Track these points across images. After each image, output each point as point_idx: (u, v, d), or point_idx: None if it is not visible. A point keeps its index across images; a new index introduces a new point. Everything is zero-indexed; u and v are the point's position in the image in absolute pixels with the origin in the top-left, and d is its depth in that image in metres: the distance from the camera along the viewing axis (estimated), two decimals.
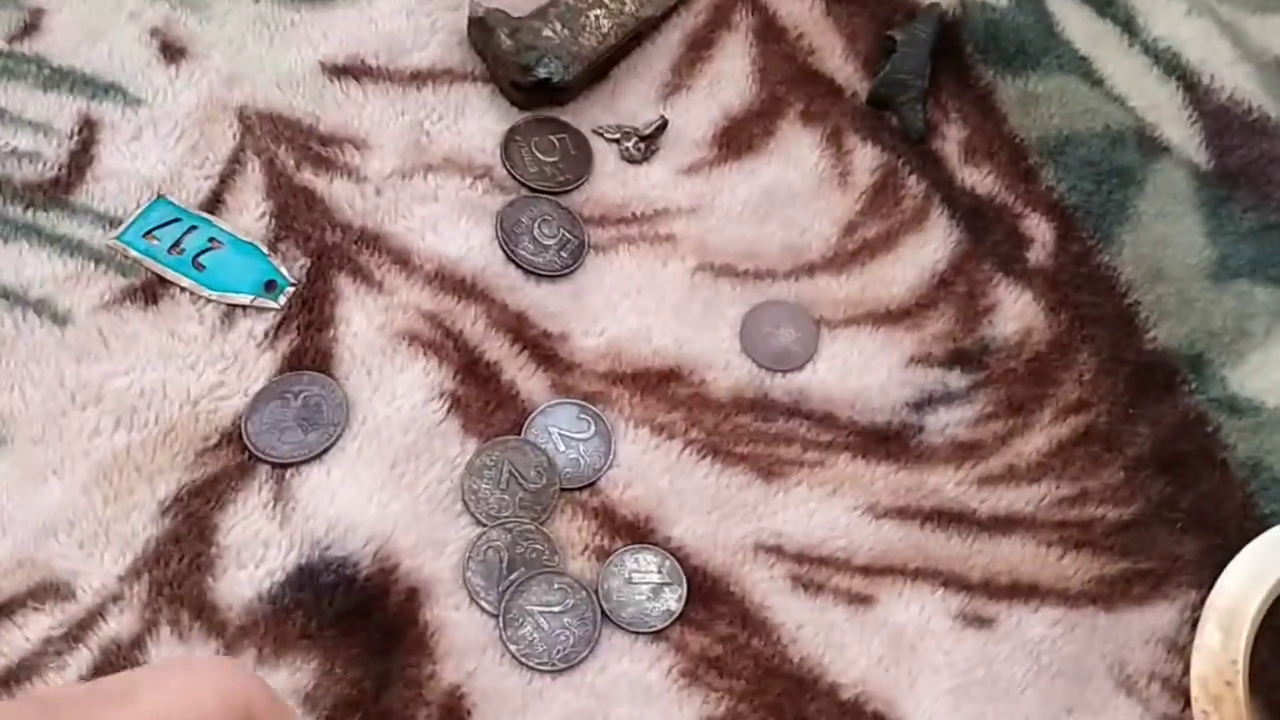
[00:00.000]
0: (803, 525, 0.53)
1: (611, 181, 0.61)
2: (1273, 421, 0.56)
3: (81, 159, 0.58)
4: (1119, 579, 0.53)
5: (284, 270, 0.56)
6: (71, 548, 0.49)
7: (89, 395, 0.52)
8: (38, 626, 0.48)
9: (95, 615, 0.48)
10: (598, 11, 0.61)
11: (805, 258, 0.59)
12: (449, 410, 0.54)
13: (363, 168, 0.59)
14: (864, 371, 0.57)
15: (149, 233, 0.56)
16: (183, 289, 0.55)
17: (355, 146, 0.59)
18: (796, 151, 0.62)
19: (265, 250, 0.56)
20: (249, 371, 0.54)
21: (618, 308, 0.57)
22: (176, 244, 0.56)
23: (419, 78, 0.61)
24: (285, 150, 0.59)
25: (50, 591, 0.48)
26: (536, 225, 0.58)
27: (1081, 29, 0.65)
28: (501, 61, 0.60)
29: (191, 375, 0.53)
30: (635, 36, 0.63)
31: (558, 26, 0.61)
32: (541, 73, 0.59)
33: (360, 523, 0.51)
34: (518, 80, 0.60)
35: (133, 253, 0.56)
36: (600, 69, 0.62)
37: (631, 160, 0.61)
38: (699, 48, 0.64)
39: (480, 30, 0.61)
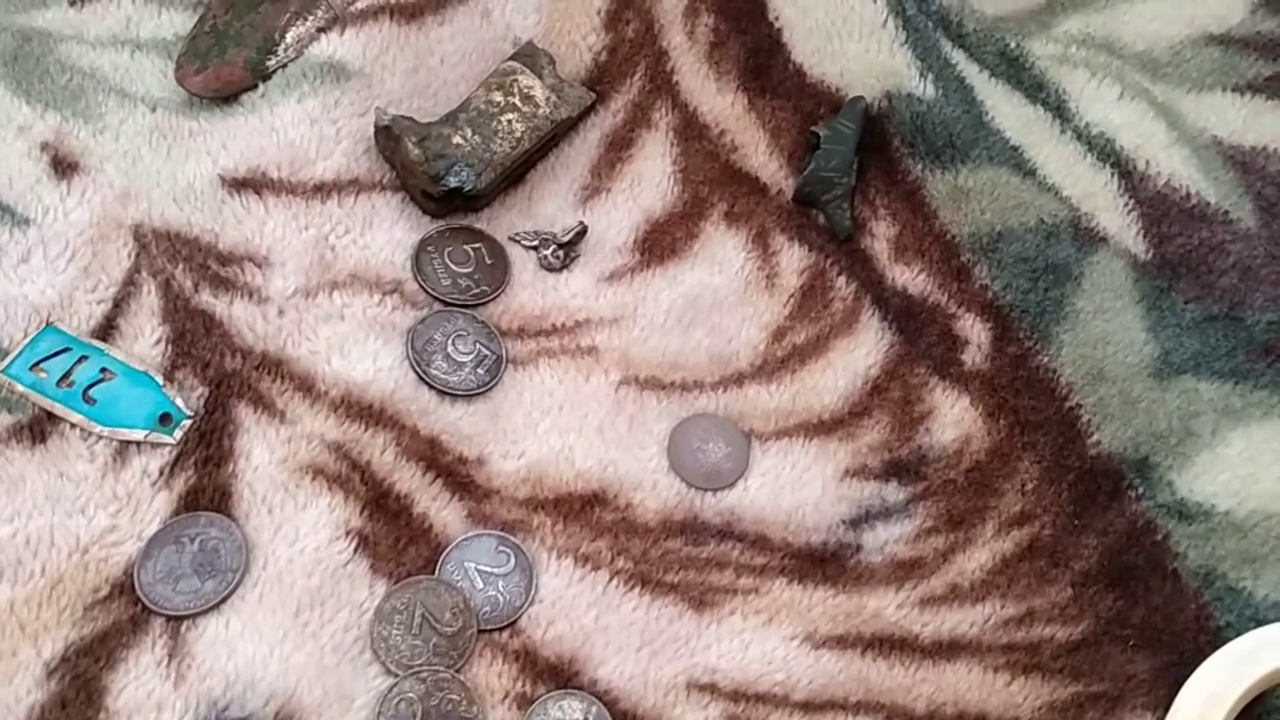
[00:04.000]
0: (738, 659, 0.50)
1: (530, 291, 0.58)
2: (1224, 526, 0.54)
3: None
4: (1071, 704, 0.50)
5: (180, 402, 0.53)
6: None
7: None
8: None
9: None
10: (510, 116, 0.59)
11: (733, 367, 0.57)
12: (356, 549, 0.50)
13: (264, 287, 0.56)
14: (797, 487, 0.54)
15: (37, 364, 0.53)
16: (73, 425, 0.52)
17: (256, 264, 0.56)
18: (721, 254, 0.59)
19: (160, 380, 0.53)
20: (142, 514, 0.50)
21: (538, 426, 0.54)
22: (66, 376, 0.53)
23: (323, 189, 0.58)
24: (183, 270, 0.56)
25: None
26: (450, 341, 0.55)
27: (1012, 117, 0.63)
28: (410, 171, 0.57)
29: (81, 520, 0.50)
30: (551, 139, 0.61)
31: (468, 133, 0.58)
32: (452, 182, 0.57)
33: (261, 678, 0.47)
34: (428, 190, 0.57)
35: (19, 387, 0.52)
36: (515, 174, 0.60)
37: (550, 268, 0.58)
38: (618, 148, 0.62)
39: (387, 139, 0.58)
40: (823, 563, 0.52)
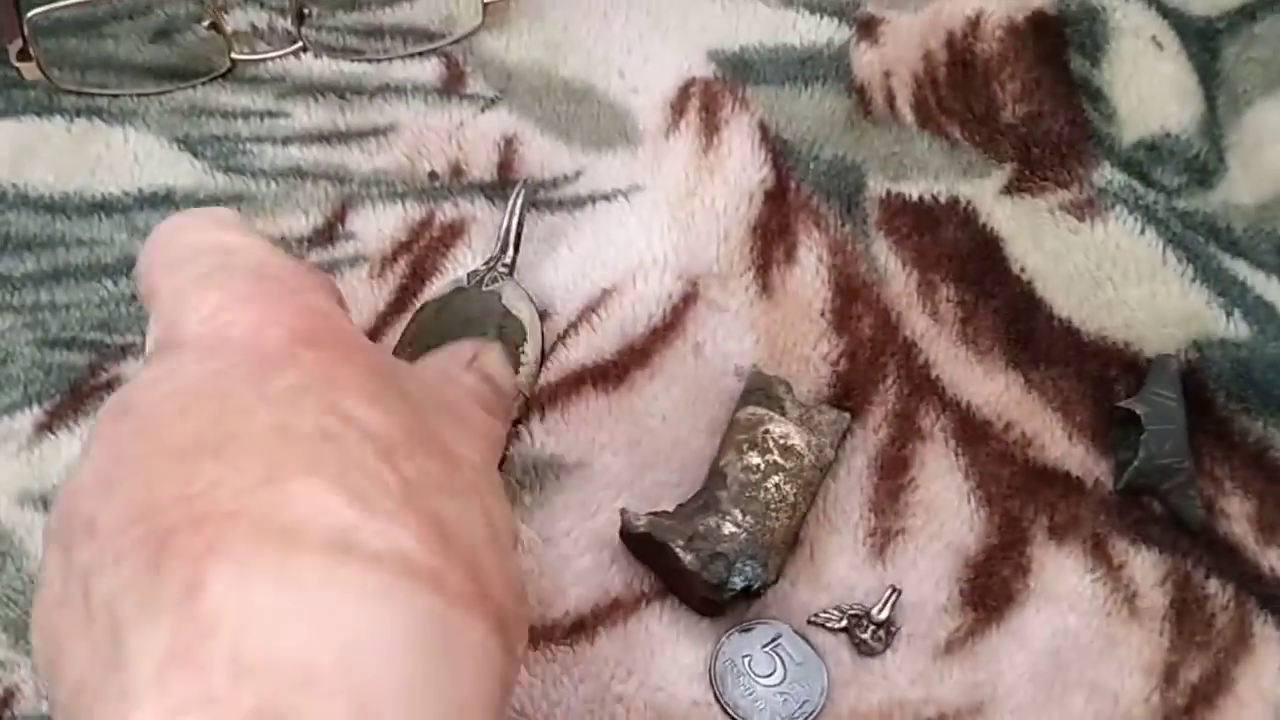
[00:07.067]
0: None
1: (855, 689, 0.47)
2: None
3: None
4: None
5: None
6: None
7: None
8: None
9: None
10: (775, 478, 0.49)
11: None
12: None
13: None
14: None
15: None
16: None
17: None
18: (1063, 583, 0.49)
19: None
20: None
21: None
22: None
23: (582, 629, 0.48)
24: None
25: None
26: None
27: None
28: (684, 576, 0.47)
29: None
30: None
31: (737, 515, 0.48)
32: (739, 583, 0.46)
33: None
34: (710, 596, 0.47)
35: None
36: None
37: (870, 653, 0.48)
38: (895, 473, 0.51)
39: (645, 545, 0.48)
40: None
